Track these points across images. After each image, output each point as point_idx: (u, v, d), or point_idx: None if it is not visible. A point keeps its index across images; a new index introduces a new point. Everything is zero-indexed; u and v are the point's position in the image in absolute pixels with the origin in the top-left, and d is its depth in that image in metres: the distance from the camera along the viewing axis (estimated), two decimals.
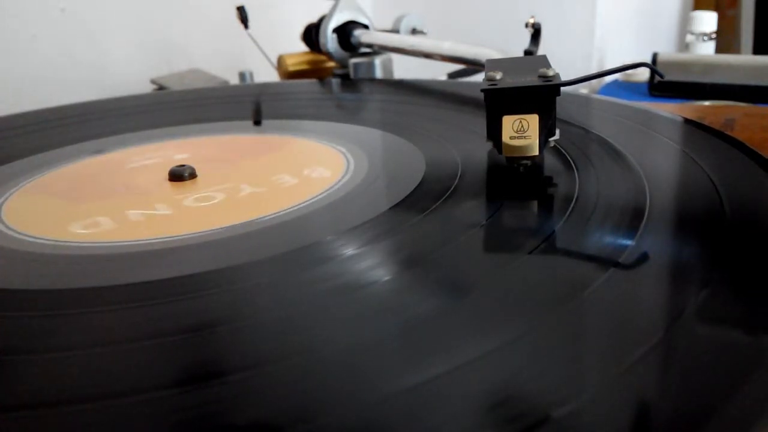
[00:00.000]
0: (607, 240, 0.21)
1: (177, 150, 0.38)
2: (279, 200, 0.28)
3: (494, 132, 0.27)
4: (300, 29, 0.64)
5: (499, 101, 0.26)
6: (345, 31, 0.58)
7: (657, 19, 1.20)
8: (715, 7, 1.20)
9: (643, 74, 0.81)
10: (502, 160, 0.27)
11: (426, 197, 0.26)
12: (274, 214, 0.26)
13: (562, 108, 0.28)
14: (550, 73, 0.27)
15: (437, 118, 0.40)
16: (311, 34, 0.62)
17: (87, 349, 0.17)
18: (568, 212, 0.23)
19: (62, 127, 0.45)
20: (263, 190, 0.30)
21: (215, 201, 0.29)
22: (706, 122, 0.33)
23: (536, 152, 0.26)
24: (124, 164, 0.36)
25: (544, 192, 0.27)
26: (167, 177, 0.32)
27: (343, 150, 0.34)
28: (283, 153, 0.36)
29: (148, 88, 0.65)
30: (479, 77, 0.60)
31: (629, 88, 0.80)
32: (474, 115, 0.39)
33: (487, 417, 0.13)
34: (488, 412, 0.13)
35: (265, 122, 0.45)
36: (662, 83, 0.73)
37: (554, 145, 0.30)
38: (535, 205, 0.26)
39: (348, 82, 0.56)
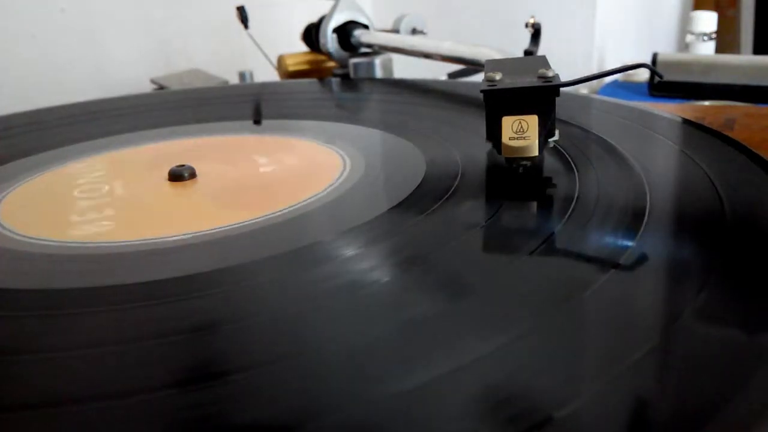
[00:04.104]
0: (607, 241, 0.21)
1: (177, 150, 0.38)
2: (279, 200, 0.27)
3: (494, 133, 0.27)
4: (300, 29, 0.64)
5: (499, 102, 0.26)
6: (345, 31, 0.58)
7: (657, 19, 1.20)
8: (715, 7, 1.20)
9: (643, 74, 0.81)
10: (502, 160, 0.27)
11: (426, 198, 0.26)
12: (274, 214, 0.26)
13: (562, 108, 0.28)
14: (550, 73, 0.27)
15: (437, 118, 0.40)
16: (311, 34, 0.62)
17: (87, 349, 0.17)
18: (568, 213, 0.23)
19: (62, 127, 0.45)
20: (263, 190, 0.30)
21: (212, 201, 0.29)
22: (706, 122, 0.33)
23: (536, 153, 0.26)
24: (123, 164, 0.36)
25: (544, 193, 0.27)
26: (167, 177, 0.32)
27: (343, 150, 0.34)
28: (283, 153, 0.36)
29: (148, 88, 0.65)
30: (479, 77, 0.60)
31: (629, 88, 0.80)
32: (474, 115, 0.39)
33: (488, 417, 0.13)
34: (489, 412, 0.13)
35: (264, 122, 0.45)
36: (662, 83, 0.73)
37: (554, 146, 0.30)
38: (535, 205, 0.26)
39: (348, 81, 0.56)
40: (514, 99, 0.26)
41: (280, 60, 0.64)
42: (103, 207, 0.29)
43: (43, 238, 0.25)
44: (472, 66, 0.49)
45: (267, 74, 0.67)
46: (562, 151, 0.30)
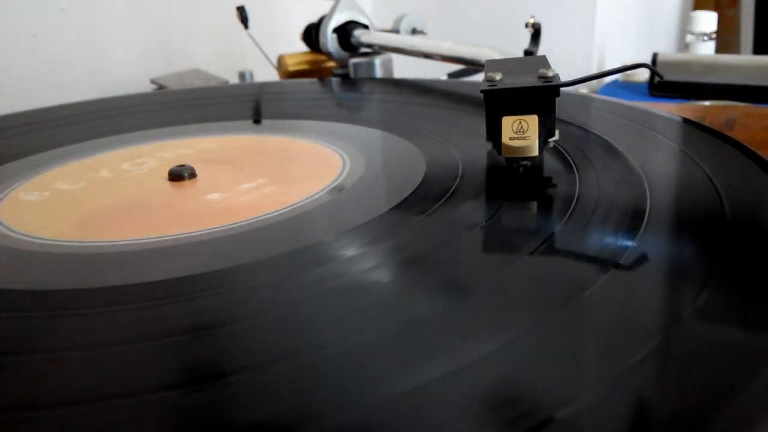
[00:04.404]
0: (607, 241, 0.21)
1: (177, 149, 0.38)
2: (278, 200, 0.28)
3: (494, 133, 0.27)
4: (300, 29, 0.64)
5: (499, 102, 0.27)
6: (345, 31, 0.58)
7: (657, 19, 1.20)
8: (715, 7, 1.20)
9: (643, 74, 0.81)
10: (502, 160, 0.27)
11: (426, 198, 0.26)
12: (274, 214, 0.26)
13: (562, 108, 0.28)
14: (550, 73, 0.27)
15: (437, 118, 0.40)
16: (311, 34, 0.62)
17: (87, 349, 0.17)
18: (568, 213, 0.23)
19: (62, 127, 0.45)
20: (263, 190, 0.30)
21: (214, 201, 0.29)
22: (706, 122, 0.33)
23: (536, 153, 0.26)
24: (123, 164, 0.36)
25: (544, 193, 0.27)
26: (167, 177, 0.32)
27: (343, 150, 0.34)
28: (283, 153, 0.36)
29: (148, 88, 0.65)
30: (479, 77, 0.60)
31: (629, 88, 0.80)
32: (474, 115, 0.39)
33: (488, 418, 0.13)
34: (489, 413, 0.13)
35: (264, 122, 0.45)
36: (662, 83, 0.73)
37: (554, 146, 0.30)
38: (535, 205, 0.26)
39: (348, 81, 0.56)
40: (514, 99, 0.26)
41: (280, 60, 0.64)
42: (103, 207, 0.29)
43: (43, 237, 0.25)
44: (472, 66, 0.49)
45: (267, 74, 0.67)
46: (562, 151, 0.30)
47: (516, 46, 0.53)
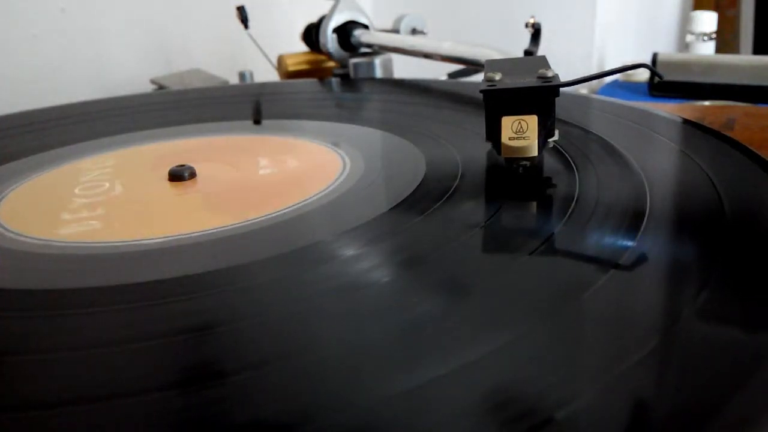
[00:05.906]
0: (607, 241, 0.21)
1: (177, 150, 0.38)
2: (278, 200, 0.28)
3: (493, 133, 0.27)
4: (300, 29, 0.64)
5: (498, 102, 0.27)
6: (345, 31, 0.58)
7: (657, 19, 1.20)
8: (715, 7, 1.20)
9: (643, 74, 0.81)
10: (502, 160, 0.27)
11: (426, 198, 0.26)
12: (274, 214, 0.26)
13: (561, 108, 0.28)
14: (549, 73, 0.27)
15: (437, 118, 0.40)
16: (311, 34, 0.62)
17: (87, 349, 0.17)
18: (568, 213, 0.23)
19: (62, 127, 0.45)
20: (263, 190, 0.30)
21: (212, 201, 0.29)
22: (706, 122, 0.33)
23: (535, 153, 0.26)
24: (123, 164, 0.36)
25: (544, 193, 0.27)
26: (167, 177, 0.32)
27: (343, 150, 0.34)
28: (283, 153, 0.36)
29: (148, 88, 0.65)
30: (479, 77, 0.60)
31: (629, 88, 0.80)
32: (474, 115, 0.39)
33: (487, 418, 0.13)
34: (488, 413, 0.13)
35: (265, 122, 0.45)
36: (662, 83, 0.73)
37: (553, 146, 0.30)
38: (535, 205, 0.26)
39: (348, 81, 0.56)
40: (513, 99, 0.26)
41: (280, 60, 0.64)
42: (103, 207, 0.29)
43: (43, 237, 0.25)
44: (472, 66, 0.49)
45: (267, 74, 0.67)
46: (562, 151, 0.30)
47: (516, 46, 0.53)
